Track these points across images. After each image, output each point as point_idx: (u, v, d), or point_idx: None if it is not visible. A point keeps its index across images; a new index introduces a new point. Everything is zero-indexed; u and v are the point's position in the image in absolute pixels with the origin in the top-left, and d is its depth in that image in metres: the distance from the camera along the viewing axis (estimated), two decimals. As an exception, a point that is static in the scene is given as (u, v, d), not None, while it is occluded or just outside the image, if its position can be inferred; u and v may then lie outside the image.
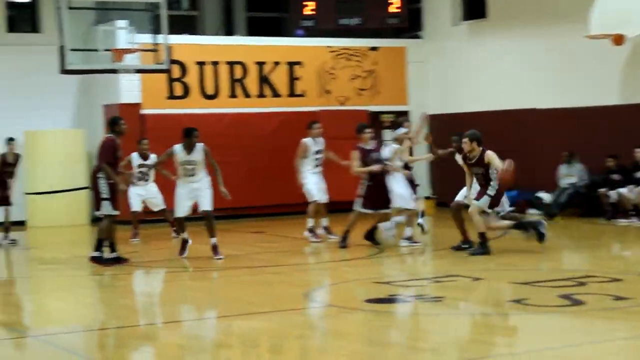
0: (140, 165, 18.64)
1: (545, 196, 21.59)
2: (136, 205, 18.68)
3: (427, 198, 24.41)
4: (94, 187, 15.41)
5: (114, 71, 18.36)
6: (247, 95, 23.44)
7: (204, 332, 10.44)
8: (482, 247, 15.16)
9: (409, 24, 24.90)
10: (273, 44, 24.00)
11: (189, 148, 15.59)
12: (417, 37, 25.29)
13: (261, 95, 23.58)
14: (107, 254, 15.28)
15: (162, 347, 9.96)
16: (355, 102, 24.41)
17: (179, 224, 15.85)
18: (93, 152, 22.93)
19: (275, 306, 11.88)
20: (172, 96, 22.65)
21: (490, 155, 15.28)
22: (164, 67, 17.88)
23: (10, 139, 19.06)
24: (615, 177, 20.17)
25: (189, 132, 15.81)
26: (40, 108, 22.57)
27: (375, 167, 16.23)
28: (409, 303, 11.63)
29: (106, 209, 15.24)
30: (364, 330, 10.21)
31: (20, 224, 21.75)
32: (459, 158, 16.08)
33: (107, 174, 15.07)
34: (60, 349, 9.82)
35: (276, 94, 23.70)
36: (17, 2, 23.71)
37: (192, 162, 15.54)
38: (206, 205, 15.45)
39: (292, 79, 23.93)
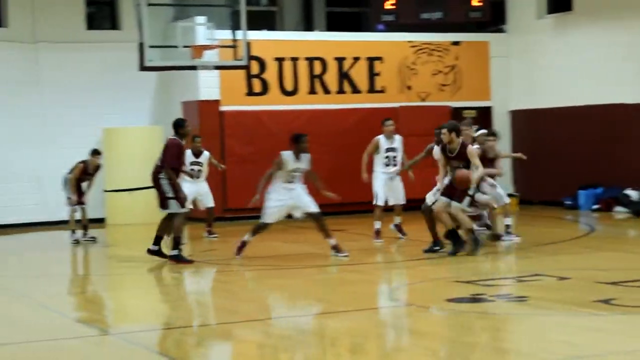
0: (193, 163, 18.71)
1: (633, 194, 21.27)
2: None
3: (510, 195, 24.21)
4: (157, 187, 15.56)
5: (192, 68, 18.45)
6: (326, 92, 23.45)
7: (283, 331, 10.45)
8: (475, 243, 15.00)
9: (492, 17, 24.69)
10: (353, 39, 23.99)
11: (298, 155, 15.38)
12: (500, 31, 25.08)
13: (341, 91, 23.58)
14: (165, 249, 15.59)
15: (241, 346, 10.00)
16: (437, 98, 24.29)
17: (258, 230, 15.65)
18: (172, 149, 23.17)
19: (355, 305, 11.88)
20: (250, 93, 22.75)
21: (472, 151, 15.14)
22: (243, 63, 17.93)
23: (96, 151, 19.09)
24: None
25: (298, 139, 15.39)
26: (119, 105, 22.84)
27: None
28: (492, 302, 11.53)
29: (173, 207, 15.43)
30: (445, 330, 10.16)
31: (99, 221, 22.03)
32: (437, 150, 15.86)
33: (170, 177, 15.26)
34: (139, 347, 9.91)
35: (356, 90, 23.68)
36: (97, 0, 24.00)
37: (299, 170, 15.39)
38: (313, 207, 15.38)
39: (372, 74, 23.88)
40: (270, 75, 22.96)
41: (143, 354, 9.67)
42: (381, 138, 17.77)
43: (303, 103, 23.02)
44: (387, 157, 17.66)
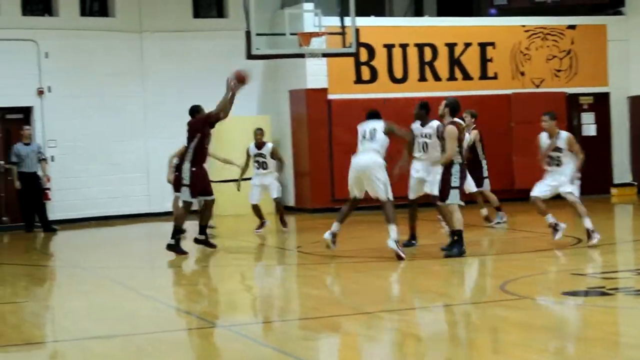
0: (257, 155, 18.81)
1: None
2: (255, 198, 18.86)
3: (628, 185, 23.87)
4: (178, 172, 16.13)
5: (300, 55, 18.53)
6: (437, 79, 23.35)
7: (391, 324, 10.44)
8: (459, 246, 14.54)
9: (610, -1, 24.36)
10: (464, 24, 23.85)
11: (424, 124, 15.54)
12: (619, 13, 24.65)
13: (452, 78, 23.46)
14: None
15: (349, 339, 10.02)
16: (551, 84, 24.01)
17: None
18: (279, 139, 23.32)
19: (469, 298, 11.83)
20: (359, 80, 22.76)
21: (449, 131, 14.50)
22: (351, 50, 18.00)
23: None
24: None
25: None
26: (226, 94, 23.01)
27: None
28: (610, 296, 11.36)
29: (185, 195, 15.80)
30: (561, 324, 10.05)
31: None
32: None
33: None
34: (247, 339, 10.00)
35: (467, 77, 23.53)
36: (203, -13, 24.27)
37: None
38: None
39: (484, 60, 23.70)
40: (379, 62, 22.93)
41: (250, 346, 9.76)
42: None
43: (413, 91, 22.95)
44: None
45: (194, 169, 15.70)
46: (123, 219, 22.09)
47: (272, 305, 12.20)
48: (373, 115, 15.17)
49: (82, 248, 18.40)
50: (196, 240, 16.09)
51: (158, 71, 22.89)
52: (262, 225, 19.01)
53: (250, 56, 17.53)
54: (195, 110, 16.29)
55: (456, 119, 14.69)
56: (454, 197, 14.36)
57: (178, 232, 15.85)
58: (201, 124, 15.85)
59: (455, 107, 14.81)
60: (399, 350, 9.48)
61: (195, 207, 16.53)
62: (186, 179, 15.73)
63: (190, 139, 15.89)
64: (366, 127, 14.96)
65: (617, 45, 24.42)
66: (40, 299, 13.29)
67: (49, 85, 22.03)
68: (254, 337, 10.09)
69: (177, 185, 16.37)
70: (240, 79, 15.48)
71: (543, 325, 10.03)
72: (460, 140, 14.43)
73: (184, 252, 15.74)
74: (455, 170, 14.37)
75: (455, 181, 14.35)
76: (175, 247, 15.73)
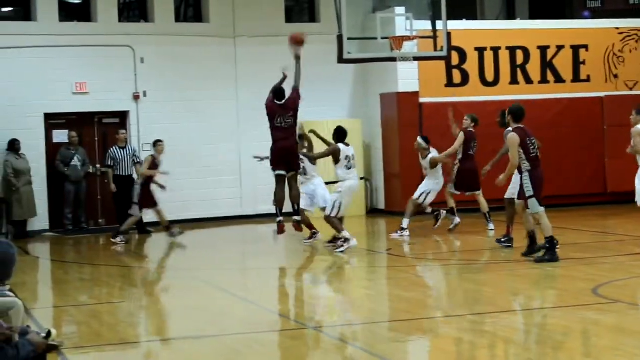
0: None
1: None
2: (303, 204, 18.01)
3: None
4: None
5: (392, 59, 18.47)
6: (528, 82, 23.14)
7: (483, 327, 10.38)
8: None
9: None
10: (556, 27, 23.57)
11: None
12: None
13: (543, 81, 23.22)
14: None
15: (440, 341, 9.99)
16: (646, 87, 23.65)
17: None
18: (370, 142, 23.34)
19: (560, 301, 11.72)
20: (450, 84, 22.66)
21: (510, 138, 14.41)
22: (442, 54, 17.89)
23: (158, 141, 19.69)
24: None
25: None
26: (318, 98, 23.05)
27: None
28: None
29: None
30: (655, 329, 9.90)
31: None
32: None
33: None
34: (338, 341, 10.03)
35: (559, 80, 23.27)
36: (295, -8, 24.39)
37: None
38: None
39: (577, 63, 23.42)
40: (471, 65, 22.80)
41: (343, 348, 9.78)
42: None
43: (504, 94, 22.75)
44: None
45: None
46: (215, 221, 22.24)
47: (362, 307, 12.20)
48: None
49: (175, 250, 18.58)
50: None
51: (251, 75, 23.02)
52: (312, 236, 17.93)
53: (342, 60, 17.52)
54: (281, 92, 16.46)
55: (521, 125, 14.45)
56: (533, 206, 14.19)
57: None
58: (298, 100, 16.36)
59: (517, 113, 14.56)
60: (489, 352, 9.42)
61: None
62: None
63: (295, 118, 16.24)
64: (349, 152, 16.62)
65: None
66: (135, 300, 13.47)
67: (145, 90, 22.29)
68: (344, 339, 10.11)
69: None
70: (297, 42, 15.69)
71: (636, 329, 9.89)
72: (525, 146, 14.21)
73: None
74: (526, 179, 14.21)
75: (528, 190, 14.18)
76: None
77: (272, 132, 16.06)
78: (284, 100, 16.07)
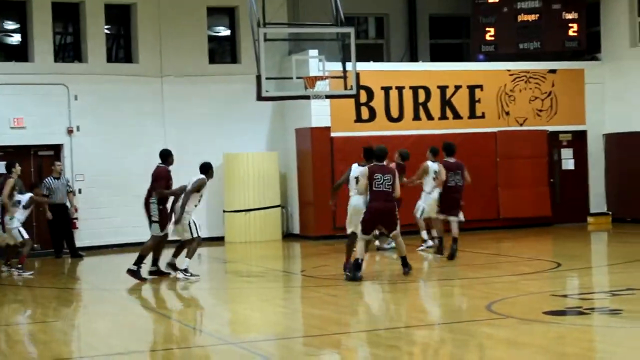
0: None
1: None
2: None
3: (603, 214, 23.85)
4: (147, 210, 16.22)
5: (306, 97, 18.57)
6: (429, 118, 23.36)
7: (389, 342, 10.41)
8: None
9: (588, 46, 24.36)
10: (455, 68, 23.86)
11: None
12: (595, 59, 24.68)
13: (443, 117, 23.46)
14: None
15: (350, 355, 10.00)
16: (534, 122, 23.99)
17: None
18: (286, 173, 23.35)
19: (458, 317, 11.81)
20: (359, 119, 22.78)
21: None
22: (352, 92, 17.99)
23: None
24: None
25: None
26: (238, 132, 23.07)
27: None
28: (587, 315, 11.33)
29: (155, 230, 16.02)
30: (542, 342, 10.00)
31: (219, 239, 22.31)
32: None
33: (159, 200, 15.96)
34: (257, 355, 9.99)
35: (457, 116, 23.53)
36: (218, 36, 24.32)
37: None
38: None
39: (473, 101, 23.71)
40: (378, 103, 22.96)
41: (259, 362, 9.75)
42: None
43: (408, 129, 22.96)
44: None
45: (161, 207, 16.07)
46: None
47: (279, 324, 12.16)
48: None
49: (105, 272, 18.37)
50: (150, 272, 16.20)
51: (177, 111, 22.94)
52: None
53: (260, 98, 17.54)
54: (166, 155, 16.54)
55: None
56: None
57: (141, 261, 16.08)
58: (165, 180, 16.20)
59: (433, 150, 15.36)
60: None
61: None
62: (155, 216, 16.07)
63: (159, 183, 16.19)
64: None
65: (594, 88, 24.42)
66: (68, 319, 13.28)
67: (78, 124, 22.07)
68: (263, 354, 10.06)
69: (149, 223, 16.36)
70: None
71: (526, 342, 10.00)
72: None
73: (142, 279, 15.83)
74: None
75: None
76: (135, 273, 15.91)
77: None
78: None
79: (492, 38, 23.94)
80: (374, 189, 14.84)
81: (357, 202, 15.25)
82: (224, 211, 22.71)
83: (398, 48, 25.12)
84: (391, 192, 14.89)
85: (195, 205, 16.12)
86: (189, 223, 15.88)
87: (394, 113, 23.10)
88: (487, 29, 23.95)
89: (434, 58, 25.09)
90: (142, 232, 22.05)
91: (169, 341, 11.00)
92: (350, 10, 18.49)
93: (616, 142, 24.13)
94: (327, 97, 19.14)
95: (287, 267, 18.55)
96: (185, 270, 15.86)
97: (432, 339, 10.56)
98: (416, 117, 23.25)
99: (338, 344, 10.46)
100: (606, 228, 22.81)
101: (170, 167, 16.45)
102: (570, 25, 24.00)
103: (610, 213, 23.78)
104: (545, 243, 20.58)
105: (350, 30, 17.45)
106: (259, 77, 17.19)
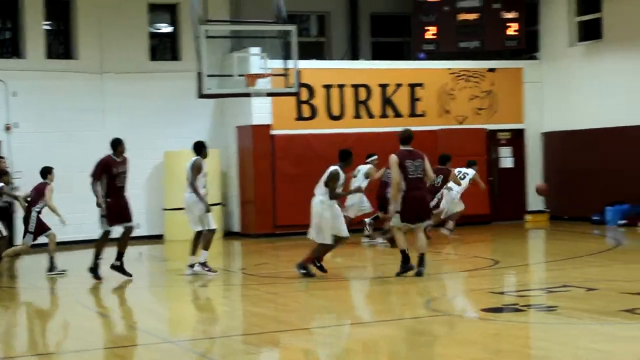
0: None
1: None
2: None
3: (540, 212, 24.08)
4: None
5: (247, 95, 18.50)
6: (370, 116, 23.41)
7: (328, 339, 10.41)
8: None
9: (526, 45, 24.58)
10: (396, 67, 23.95)
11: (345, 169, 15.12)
12: (534, 58, 24.91)
13: (384, 115, 23.53)
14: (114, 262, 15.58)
15: (289, 353, 9.97)
16: (473, 121, 24.16)
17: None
18: (227, 171, 23.25)
19: (397, 314, 11.83)
20: (300, 117, 22.77)
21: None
22: (293, 90, 17.93)
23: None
24: None
25: (349, 154, 15.13)
26: (179, 130, 22.93)
27: None
28: (523, 312, 11.42)
29: (103, 225, 15.50)
30: (480, 338, 10.05)
31: (159, 237, 22.17)
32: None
33: (95, 192, 15.34)
34: (194, 354, 9.92)
35: (398, 114, 23.61)
36: (159, 33, 24.17)
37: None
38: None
39: (413, 99, 23.82)
40: (319, 101, 22.97)
41: (197, 360, 9.69)
42: None
43: (349, 127, 23.00)
44: None
45: (109, 199, 15.43)
46: (83, 243, 21.78)
47: (217, 322, 12.11)
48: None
49: (44, 271, 18.13)
50: (112, 267, 15.71)
51: (117, 108, 22.75)
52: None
53: (201, 95, 17.40)
54: (117, 143, 16.02)
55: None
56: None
57: (97, 258, 15.63)
58: (102, 168, 15.58)
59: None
60: (332, 362, 9.45)
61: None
62: (102, 210, 15.45)
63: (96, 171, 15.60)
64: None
65: (532, 87, 24.66)
66: (2, 317, 13.09)
67: (16, 121, 21.82)
68: (199, 352, 10.00)
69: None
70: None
71: (463, 339, 10.05)
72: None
73: (98, 278, 15.49)
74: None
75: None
76: (94, 271, 15.54)
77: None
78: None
79: (433, 37, 24.08)
80: (409, 176, 14.16)
81: (319, 206, 14.70)
82: (164, 209, 22.56)
83: (340, 46, 25.14)
84: (423, 179, 14.28)
85: (204, 187, 15.62)
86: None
87: (335, 111, 23.12)
88: (428, 27, 24.09)
89: (375, 56, 25.16)
90: (86, 230, 21.95)
91: (107, 340, 10.89)
92: (292, 8, 18.42)
93: (554, 141, 24.39)
94: (268, 94, 19.07)
95: (227, 265, 18.47)
96: (204, 264, 15.51)
97: (371, 336, 10.57)
98: (357, 115, 23.30)
99: (277, 342, 10.43)
100: (544, 226, 23.04)
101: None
102: (510, 24, 24.20)
103: (548, 211, 24.02)
104: (484, 240, 20.73)
105: (292, 28, 17.39)
106: (200, 75, 17.08)
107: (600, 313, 10.96)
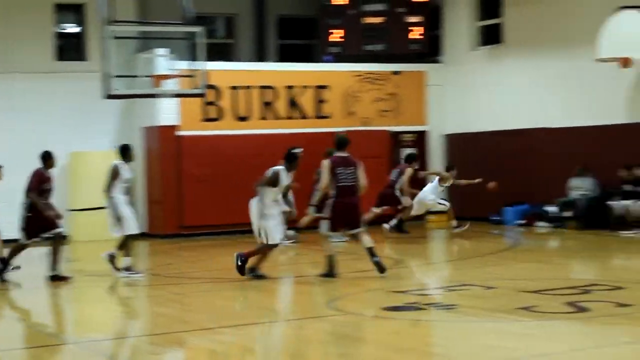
0: None
1: (553, 209, 21.53)
2: None
3: (442, 212, 24.35)
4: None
5: (153, 96, 18.45)
6: (276, 117, 23.50)
7: (232, 339, 10.46)
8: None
9: (430, 49, 24.91)
10: (302, 69, 24.07)
11: (290, 171, 14.89)
12: (437, 61, 25.28)
13: (290, 117, 23.64)
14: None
15: (194, 353, 10.00)
16: (378, 123, 24.41)
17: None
18: (133, 171, 23.06)
19: (300, 314, 11.93)
20: (207, 118, 22.74)
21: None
22: (200, 91, 17.93)
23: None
24: (628, 187, 19.94)
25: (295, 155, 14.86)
26: (85, 131, 22.71)
27: None
28: (424, 310, 11.61)
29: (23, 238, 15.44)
30: (380, 337, 10.20)
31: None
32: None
33: (35, 203, 15.17)
34: (98, 355, 9.88)
35: (304, 116, 23.74)
36: (66, 33, 23.91)
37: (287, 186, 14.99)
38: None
39: (319, 101, 23.97)
40: (225, 102, 22.97)
41: (101, 361, 9.65)
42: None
43: (255, 128, 23.06)
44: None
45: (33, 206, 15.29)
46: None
47: (121, 323, 12.06)
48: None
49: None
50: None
51: (24, 109, 22.44)
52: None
53: (107, 96, 17.28)
54: (46, 157, 15.64)
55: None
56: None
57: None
58: (38, 181, 15.35)
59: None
60: (236, 362, 9.50)
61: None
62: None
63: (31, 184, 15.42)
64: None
65: (435, 90, 25.00)
66: None
67: None
68: (105, 353, 9.96)
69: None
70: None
71: (364, 337, 10.19)
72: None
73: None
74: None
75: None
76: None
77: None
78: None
79: (339, 40, 24.23)
80: (339, 184, 14.07)
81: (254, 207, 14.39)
82: (69, 210, 22.31)
83: (247, 48, 25.17)
84: (355, 186, 14.08)
85: (275, 201, 14.46)
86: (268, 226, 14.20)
87: (242, 112, 23.15)
88: (334, 30, 24.24)
89: (282, 58, 25.24)
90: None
91: (9, 342, 10.76)
92: (199, 9, 18.38)
93: (456, 142, 24.77)
94: (175, 95, 19.05)
95: (133, 265, 18.32)
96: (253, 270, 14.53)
97: (273, 335, 10.65)
98: (263, 116, 23.35)
99: (182, 342, 10.44)
100: (445, 226, 23.33)
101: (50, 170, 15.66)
102: (413, 28, 24.49)
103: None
104: (386, 241, 20.93)
105: (200, 29, 17.40)
106: (106, 75, 16.97)
107: (498, 311, 11.20)
